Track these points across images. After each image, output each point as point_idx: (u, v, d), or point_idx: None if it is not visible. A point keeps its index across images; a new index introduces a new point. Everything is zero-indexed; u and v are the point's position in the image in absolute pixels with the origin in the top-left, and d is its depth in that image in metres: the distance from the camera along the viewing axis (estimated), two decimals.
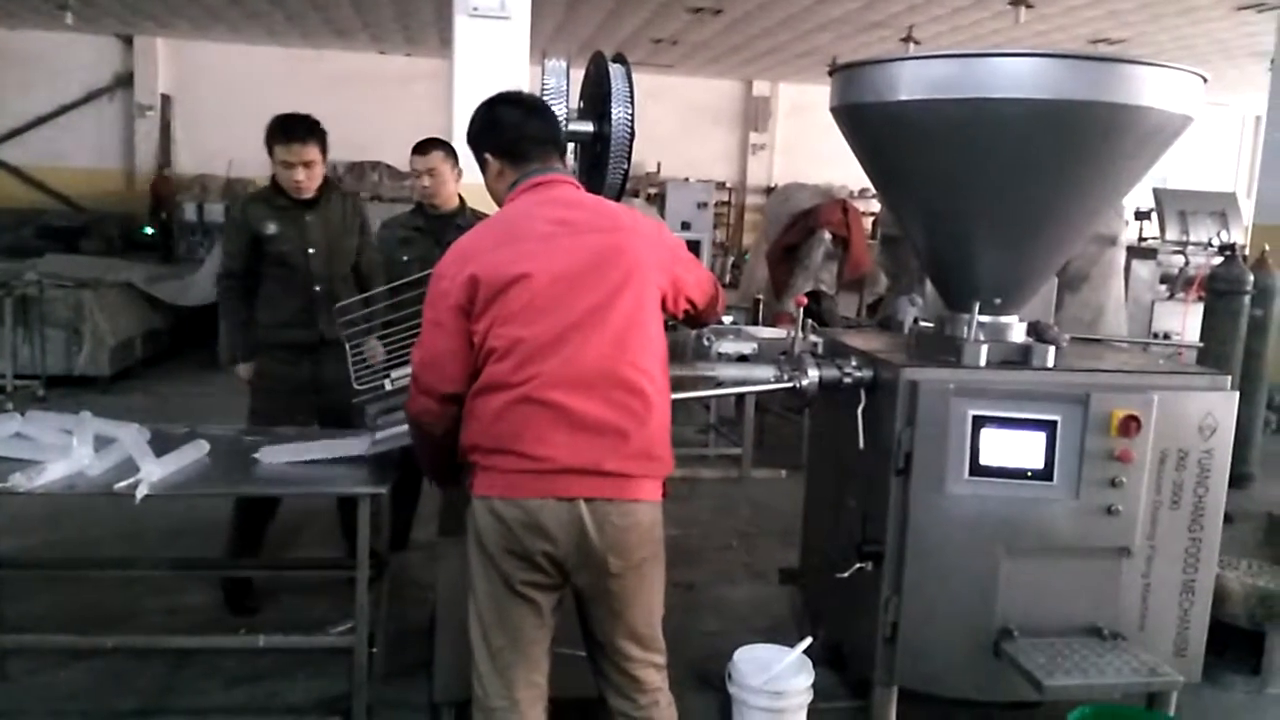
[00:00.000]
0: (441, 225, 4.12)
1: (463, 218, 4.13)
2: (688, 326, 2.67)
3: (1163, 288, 8.33)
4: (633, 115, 2.74)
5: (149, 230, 12.29)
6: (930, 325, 3.33)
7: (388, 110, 14.80)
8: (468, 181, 3.86)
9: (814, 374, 2.97)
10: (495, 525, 2.19)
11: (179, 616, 3.76)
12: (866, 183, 11.09)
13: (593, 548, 2.19)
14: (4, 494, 2.62)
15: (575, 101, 3.05)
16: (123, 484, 2.71)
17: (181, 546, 4.35)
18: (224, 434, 3.21)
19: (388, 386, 2.96)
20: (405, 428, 2.94)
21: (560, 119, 2.82)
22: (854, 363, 3.06)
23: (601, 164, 2.86)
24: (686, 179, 14.62)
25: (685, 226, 12.89)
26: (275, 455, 2.99)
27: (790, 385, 2.96)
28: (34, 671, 3.30)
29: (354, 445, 3.03)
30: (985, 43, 10.24)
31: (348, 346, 3.09)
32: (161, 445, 2.95)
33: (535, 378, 2.15)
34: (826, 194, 7.95)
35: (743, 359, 3.19)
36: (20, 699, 3.18)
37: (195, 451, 2.94)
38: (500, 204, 2.41)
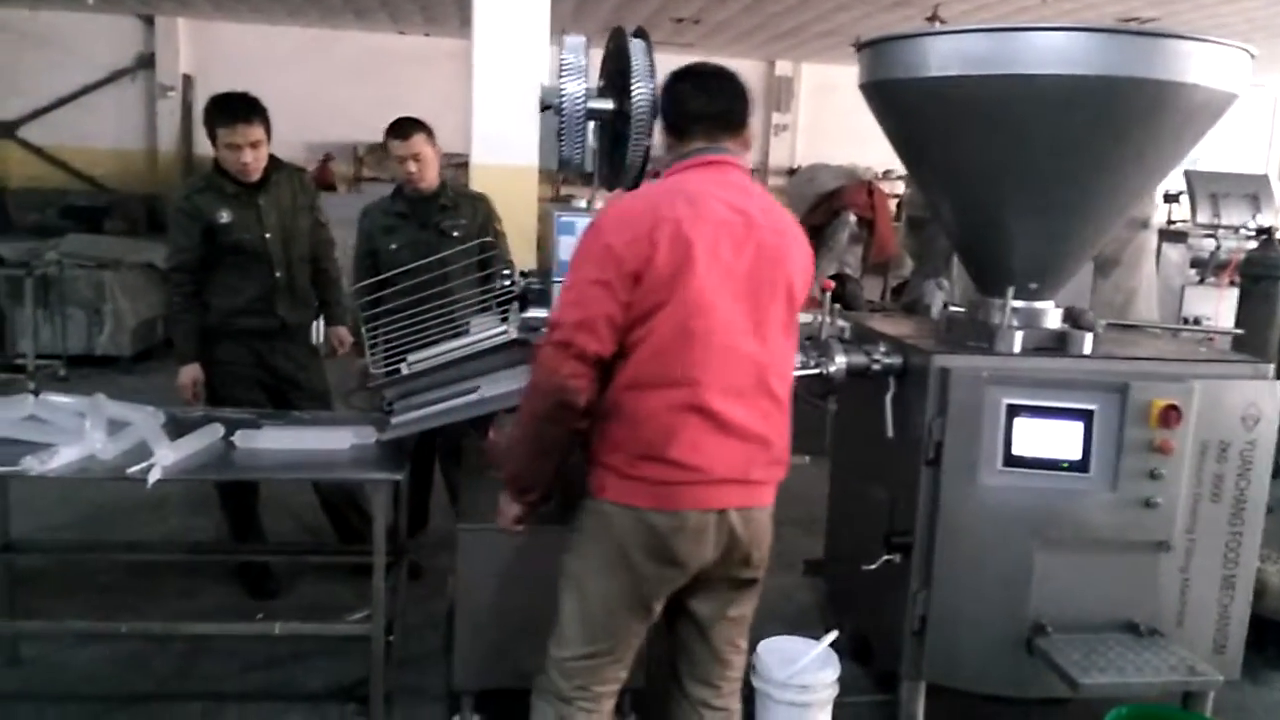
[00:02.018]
0: (425, 208, 3.98)
1: (446, 197, 4.00)
2: None
3: (1193, 272, 8.16)
4: (654, 91, 2.65)
5: None
6: (960, 310, 3.23)
7: (407, 91, 14.69)
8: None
9: (841, 360, 2.89)
10: (643, 535, 2.09)
11: (196, 600, 3.73)
12: (892, 164, 10.93)
13: (738, 550, 2.16)
14: (15, 477, 2.58)
15: (595, 79, 2.96)
16: (135, 468, 2.66)
17: (198, 530, 4.35)
18: (241, 418, 3.15)
19: (404, 371, 2.90)
20: (424, 413, 2.90)
21: (579, 97, 2.75)
22: (882, 348, 2.97)
23: (623, 142, 2.77)
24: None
25: None
26: (267, 441, 2.93)
27: (817, 371, 2.88)
28: (49, 655, 3.27)
29: (361, 432, 2.97)
30: (1013, 21, 10.04)
31: (363, 330, 3.02)
32: (177, 429, 2.90)
33: (698, 381, 2.05)
34: (851, 175, 7.82)
35: None
36: (35, 681, 3.16)
37: (210, 435, 2.88)
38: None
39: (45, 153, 13.74)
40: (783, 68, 15.81)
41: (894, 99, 2.97)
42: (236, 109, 3.54)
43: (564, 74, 2.69)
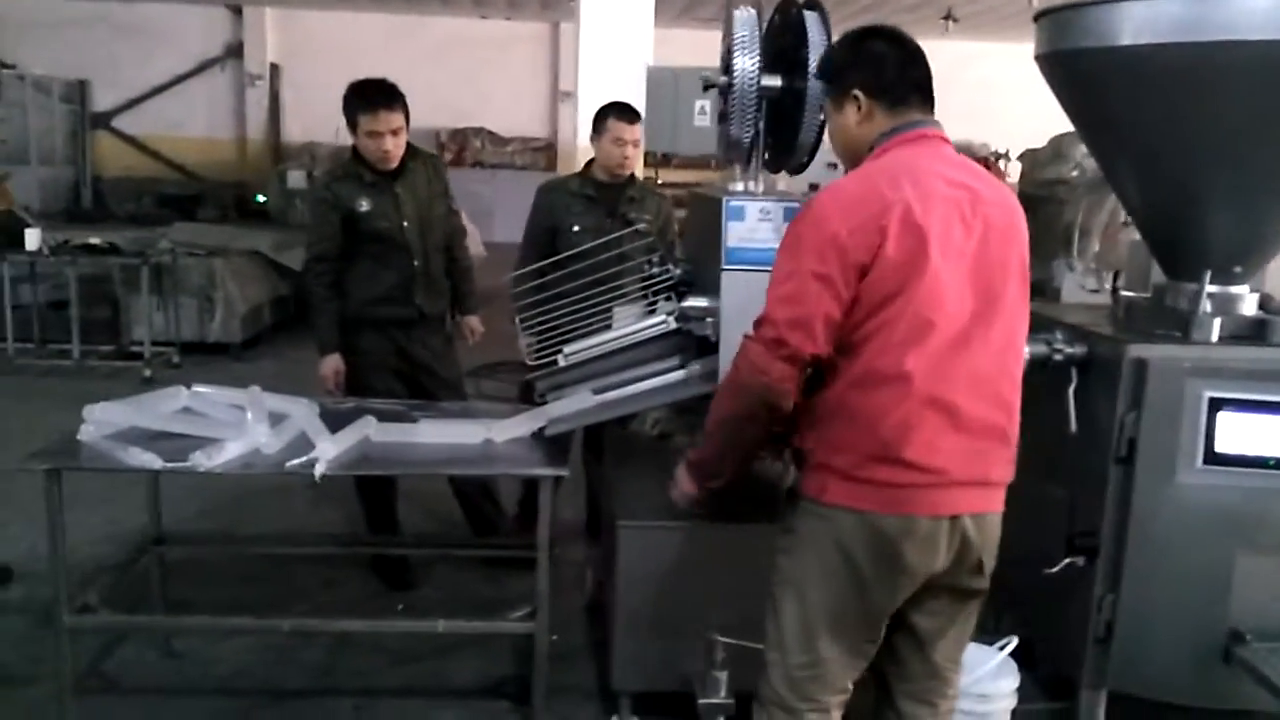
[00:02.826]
0: (615, 195, 3.87)
1: (635, 189, 3.90)
2: None
3: None
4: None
5: (262, 198, 12.47)
6: (1135, 295, 3.04)
7: (489, 75, 14.71)
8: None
9: (1027, 350, 2.71)
10: (870, 541, 1.96)
11: (337, 591, 3.72)
12: (1002, 143, 10.44)
13: (971, 558, 2.02)
14: (185, 473, 2.54)
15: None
16: (296, 461, 2.62)
17: (328, 520, 4.34)
18: (391, 409, 3.10)
19: (561, 363, 2.81)
20: (583, 407, 2.81)
21: (752, 74, 2.61)
22: (1060, 336, 2.80)
23: (793, 121, 2.64)
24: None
25: (813, 188, 12.47)
26: (419, 433, 2.87)
27: None
28: (200, 648, 3.28)
29: (522, 423, 2.89)
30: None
31: (517, 320, 2.93)
32: (331, 421, 2.85)
33: (935, 373, 1.90)
34: (966, 153, 7.51)
35: None
36: (190, 675, 3.17)
37: (365, 428, 2.83)
38: (851, 153, 2.14)
39: (138, 142, 14.06)
40: None
41: (1078, 70, 2.77)
42: (378, 95, 3.48)
43: (736, 50, 2.56)
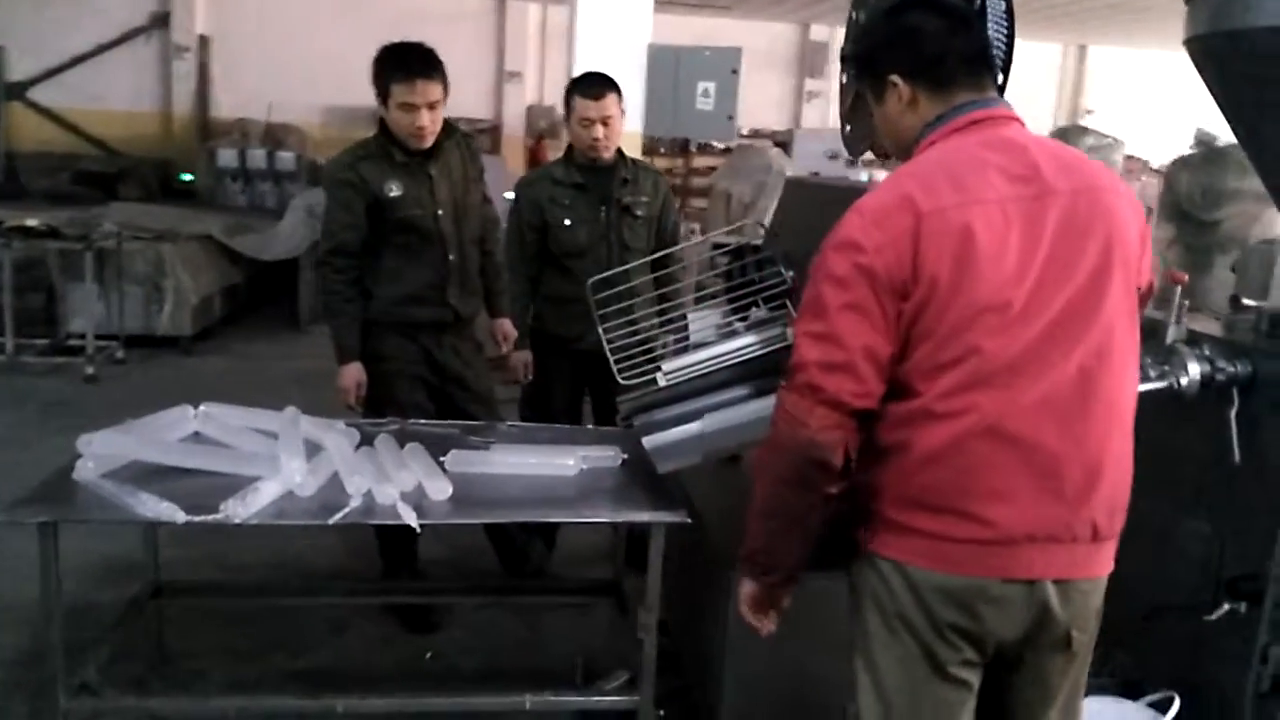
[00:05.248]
0: (605, 180, 3.48)
1: (626, 169, 3.50)
2: None
3: None
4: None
5: (188, 176, 11.66)
6: (1261, 304, 2.74)
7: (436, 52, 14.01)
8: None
9: (1195, 370, 2.39)
10: (923, 600, 1.63)
11: (348, 634, 3.24)
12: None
13: (1055, 624, 1.65)
14: (219, 527, 2.05)
15: None
16: (346, 512, 2.12)
17: (326, 548, 3.84)
18: (441, 432, 2.64)
19: (661, 383, 2.39)
20: (685, 434, 2.39)
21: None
22: (1218, 353, 2.48)
23: None
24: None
25: (814, 176, 12.14)
26: (488, 464, 2.40)
27: (1163, 385, 2.38)
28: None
29: (593, 453, 2.46)
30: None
31: (601, 330, 2.50)
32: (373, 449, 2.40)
33: (1001, 404, 1.56)
34: None
35: None
36: None
37: (422, 458, 2.37)
38: (902, 147, 1.79)
39: (56, 115, 13.09)
40: (818, 32, 15.24)
41: (1243, 52, 2.46)
42: (415, 63, 3.01)
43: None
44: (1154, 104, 13.02)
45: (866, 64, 1.81)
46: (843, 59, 2.57)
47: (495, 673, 3.06)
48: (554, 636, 3.26)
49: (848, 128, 2.57)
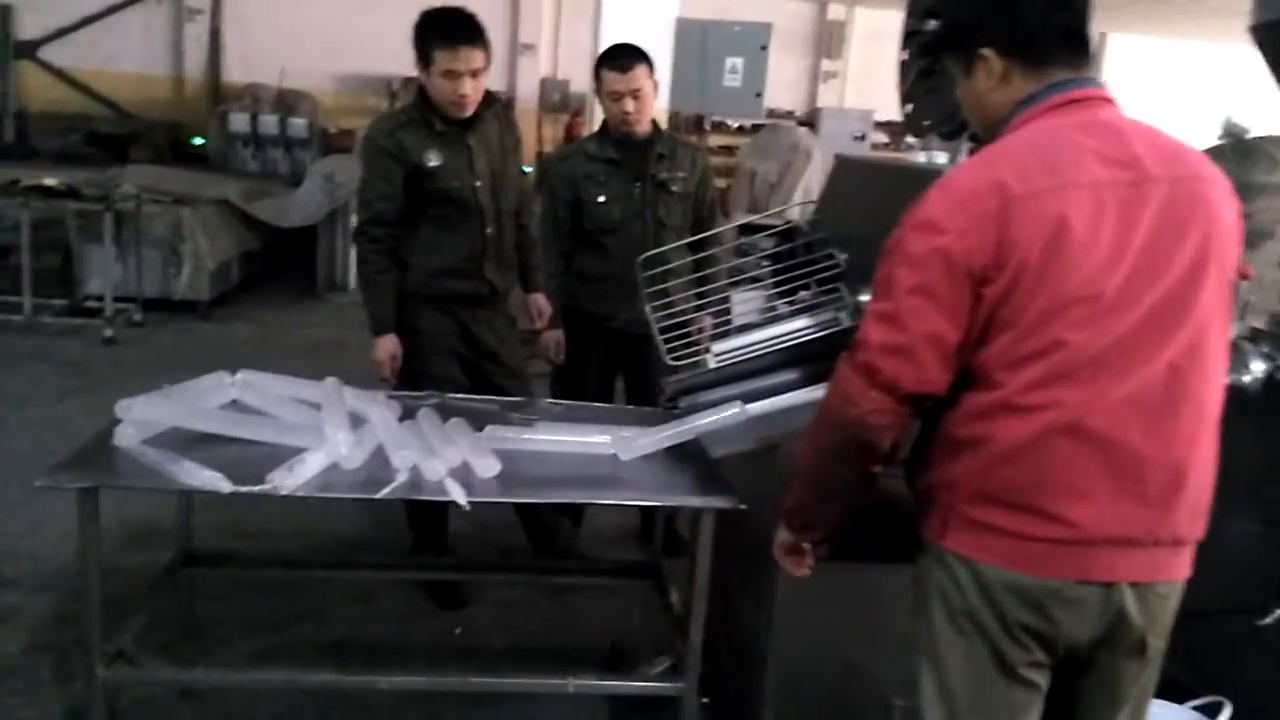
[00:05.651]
0: (640, 155, 3.42)
1: (662, 143, 3.45)
2: None
3: None
4: None
5: (199, 141, 11.57)
6: None
7: None
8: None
9: (1259, 368, 2.36)
10: (993, 598, 1.59)
11: (374, 605, 3.23)
12: None
13: (1130, 629, 1.61)
14: (265, 497, 2.02)
15: None
16: (394, 486, 2.09)
17: (352, 517, 3.82)
18: (469, 406, 2.60)
19: (710, 364, 2.36)
20: (727, 420, 2.36)
21: None
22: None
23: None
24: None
25: (838, 159, 11.98)
26: (526, 440, 2.33)
27: (1229, 383, 2.34)
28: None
29: (629, 434, 2.41)
30: None
31: (649, 309, 2.46)
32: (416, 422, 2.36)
33: (1086, 399, 1.51)
34: None
35: None
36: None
37: (467, 433, 2.33)
38: (989, 125, 1.72)
39: (66, 75, 12.98)
40: (835, 11, 15.08)
41: None
42: (459, 28, 2.95)
43: None
44: (1174, 94, 12.97)
45: (957, 36, 1.73)
46: (906, 35, 2.51)
47: (525, 651, 3.06)
48: (584, 617, 3.24)
49: (909, 106, 2.52)
